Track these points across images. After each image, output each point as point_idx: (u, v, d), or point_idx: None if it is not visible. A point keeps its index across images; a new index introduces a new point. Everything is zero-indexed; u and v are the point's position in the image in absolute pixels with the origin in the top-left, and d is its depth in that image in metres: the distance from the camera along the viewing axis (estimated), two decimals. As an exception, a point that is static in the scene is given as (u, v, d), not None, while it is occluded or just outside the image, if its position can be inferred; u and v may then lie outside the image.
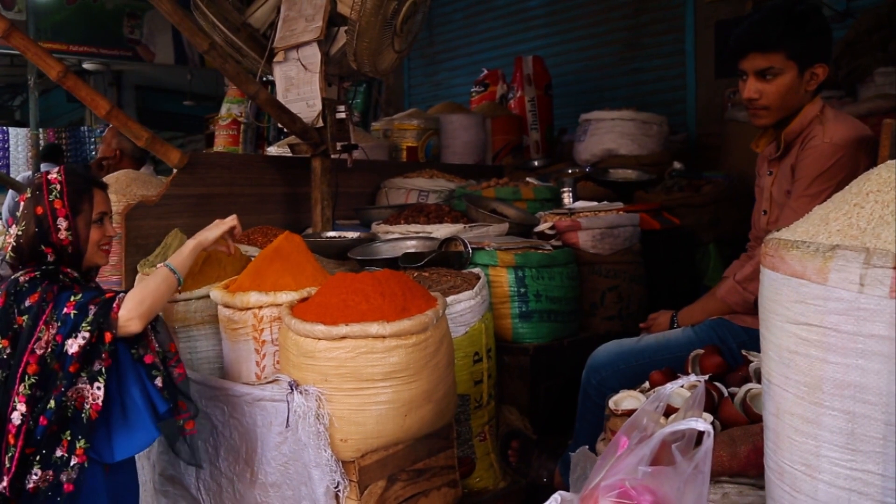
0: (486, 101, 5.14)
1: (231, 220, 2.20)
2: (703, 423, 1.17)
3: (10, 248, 1.97)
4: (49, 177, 1.97)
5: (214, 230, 2.17)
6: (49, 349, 1.80)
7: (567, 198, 3.37)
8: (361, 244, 2.86)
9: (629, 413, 1.78)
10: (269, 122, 6.05)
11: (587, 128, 4.23)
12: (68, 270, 1.94)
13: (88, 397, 1.80)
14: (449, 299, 2.26)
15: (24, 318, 1.82)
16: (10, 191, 5.33)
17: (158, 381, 1.90)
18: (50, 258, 1.93)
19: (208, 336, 2.45)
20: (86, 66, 8.46)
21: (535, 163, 4.56)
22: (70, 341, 1.78)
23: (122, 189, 3.05)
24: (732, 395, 1.69)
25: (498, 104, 5.01)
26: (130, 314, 1.83)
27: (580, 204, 3.20)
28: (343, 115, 3.07)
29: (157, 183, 3.21)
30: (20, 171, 8.54)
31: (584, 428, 2.28)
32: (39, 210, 1.92)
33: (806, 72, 1.98)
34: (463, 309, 2.32)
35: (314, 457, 1.93)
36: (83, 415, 1.79)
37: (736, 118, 4.04)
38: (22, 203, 1.98)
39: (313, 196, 3.13)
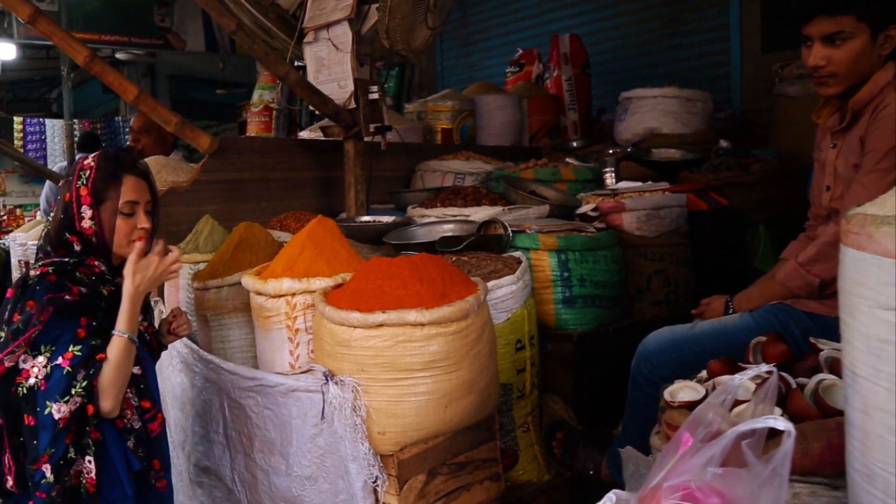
0: (521, 81, 4.99)
1: (169, 260, 1.84)
2: (783, 421, 1.05)
3: (42, 233, 1.88)
4: (84, 161, 1.85)
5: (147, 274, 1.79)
6: (23, 385, 1.64)
7: (609, 178, 3.23)
8: (397, 228, 2.77)
9: (686, 405, 1.66)
10: (302, 108, 5.98)
11: (628, 106, 4.07)
12: (95, 263, 1.81)
13: (83, 471, 1.67)
14: (490, 284, 2.15)
15: (20, 318, 1.68)
16: (48, 181, 5.35)
17: (130, 444, 1.80)
18: (76, 247, 1.81)
19: (241, 324, 2.38)
20: (119, 56, 8.49)
21: (574, 143, 4.40)
22: (56, 406, 1.61)
23: (153, 175, 2.99)
24: (801, 387, 1.55)
25: (534, 84, 4.86)
26: (114, 407, 1.70)
27: (624, 184, 3.06)
28: (376, 96, 2.97)
29: (187, 169, 3.15)
30: (57, 161, 8.63)
31: (633, 419, 2.16)
32: (67, 196, 1.82)
33: (879, 35, 1.82)
34: (504, 294, 2.21)
35: (351, 450, 1.85)
36: (81, 490, 1.67)
37: (786, 93, 3.85)
38: (60, 187, 1.91)
39: (346, 180, 3.05)
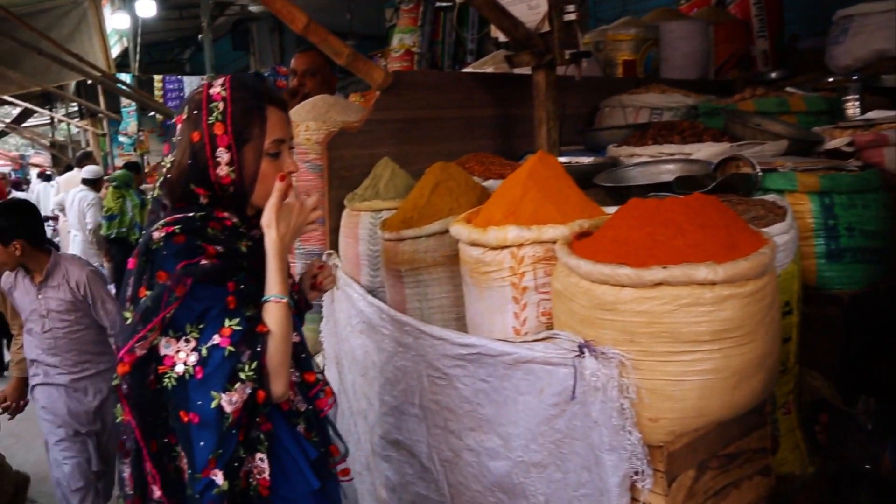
0: (698, 8, 4.39)
1: (309, 205, 1.51)
2: None
3: (157, 182, 1.50)
4: (211, 90, 1.45)
5: (291, 221, 1.47)
6: (169, 376, 1.34)
7: (852, 108, 2.67)
8: (604, 170, 2.35)
9: None
10: (444, 50, 5.61)
11: (847, 26, 3.43)
12: (225, 215, 1.47)
13: (252, 471, 1.40)
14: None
15: (148, 293, 1.35)
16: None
17: (300, 428, 1.51)
18: (202, 200, 1.45)
19: (441, 280, 2.06)
20: (252, 9, 8.39)
21: (773, 75, 3.80)
22: (227, 396, 1.31)
23: (322, 115, 2.71)
24: None
25: (718, 9, 4.26)
26: (286, 390, 1.41)
27: (877, 114, 2.50)
28: (573, 17, 2.53)
29: (356, 108, 2.85)
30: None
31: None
32: (196, 136, 1.43)
33: None
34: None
35: (609, 438, 1.48)
36: (251, 493, 1.40)
37: None
38: (179, 126, 1.48)
39: (537, 116, 2.64)
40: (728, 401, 1.45)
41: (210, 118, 1.42)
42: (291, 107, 2.89)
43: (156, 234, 1.38)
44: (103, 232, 6.83)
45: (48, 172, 12.08)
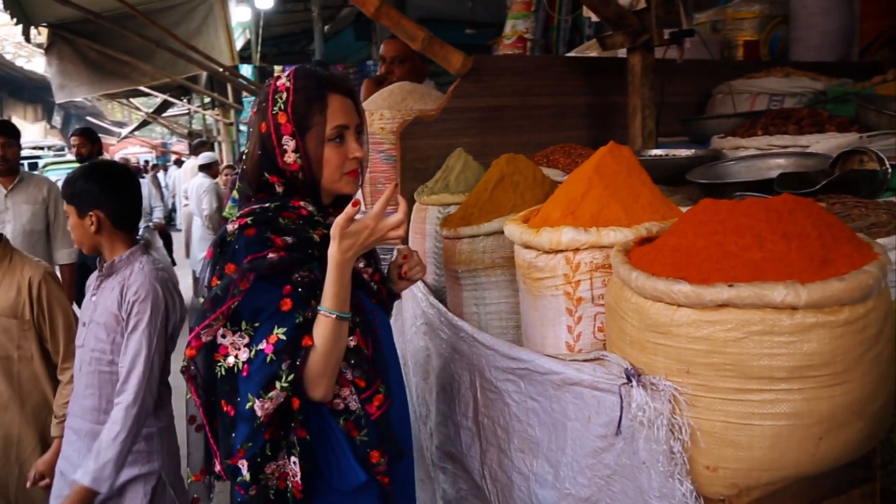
0: (842, -20, 3.86)
1: (388, 225, 1.44)
2: None
3: (238, 174, 1.58)
4: (277, 83, 1.51)
5: (358, 240, 1.41)
6: (221, 365, 1.40)
7: None
8: (702, 164, 2.06)
9: None
10: (559, 36, 5.34)
11: None
12: (301, 204, 1.50)
13: (288, 473, 1.42)
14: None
15: (219, 283, 1.41)
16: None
17: (345, 425, 1.49)
18: (278, 188, 1.50)
19: (500, 284, 1.86)
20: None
21: (930, 55, 3.28)
22: (260, 403, 1.35)
23: (397, 104, 2.57)
24: None
25: (865, -19, 3.73)
26: (327, 395, 1.43)
27: None
28: (673, -10, 2.25)
29: (436, 96, 2.69)
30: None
31: None
32: (263, 127, 1.49)
33: None
34: (897, 261, 1.44)
35: (658, 484, 1.24)
36: (288, 495, 1.43)
37: None
38: (252, 118, 1.55)
39: (631, 103, 2.38)
40: (811, 453, 1.16)
41: (275, 108, 1.48)
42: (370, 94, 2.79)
43: (230, 227, 1.44)
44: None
45: (183, 159, 12.88)
